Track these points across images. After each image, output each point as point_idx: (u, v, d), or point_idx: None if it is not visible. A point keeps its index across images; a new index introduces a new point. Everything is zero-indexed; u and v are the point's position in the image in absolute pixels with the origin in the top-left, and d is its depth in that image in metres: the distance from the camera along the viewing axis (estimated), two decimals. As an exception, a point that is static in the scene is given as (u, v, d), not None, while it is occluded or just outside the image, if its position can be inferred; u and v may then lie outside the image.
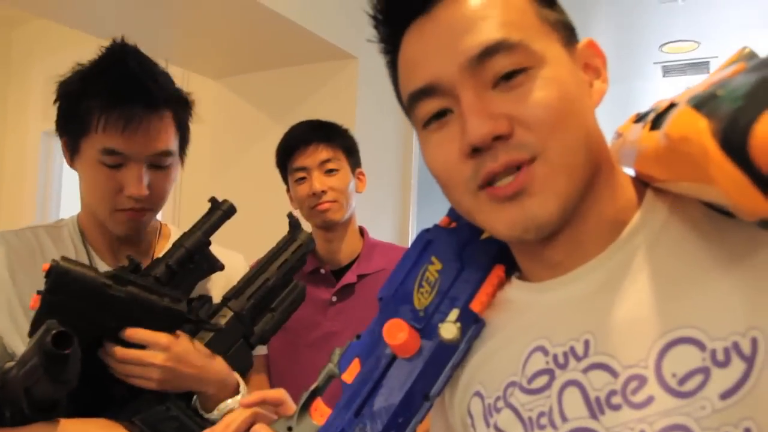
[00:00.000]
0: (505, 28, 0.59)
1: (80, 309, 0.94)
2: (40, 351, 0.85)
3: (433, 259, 0.71)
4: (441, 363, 0.66)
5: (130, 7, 2.07)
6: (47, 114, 3.45)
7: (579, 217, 0.60)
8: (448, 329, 0.65)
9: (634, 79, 3.89)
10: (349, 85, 2.37)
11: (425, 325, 0.67)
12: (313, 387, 0.73)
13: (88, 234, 1.16)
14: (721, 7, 2.90)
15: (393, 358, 0.67)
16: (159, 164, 1.09)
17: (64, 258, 0.95)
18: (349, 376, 0.69)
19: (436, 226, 0.74)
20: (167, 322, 1.02)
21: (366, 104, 2.40)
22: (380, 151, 2.49)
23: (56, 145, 3.51)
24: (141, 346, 0.99)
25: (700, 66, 3.59)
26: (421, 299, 0.69)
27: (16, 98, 3.67)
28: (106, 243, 1.15)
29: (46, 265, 0.93)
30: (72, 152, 1.10)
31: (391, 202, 2.55)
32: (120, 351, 0.98)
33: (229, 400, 1.05)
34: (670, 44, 3.35)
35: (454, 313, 0.67)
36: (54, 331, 0.86)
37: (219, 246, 1.16)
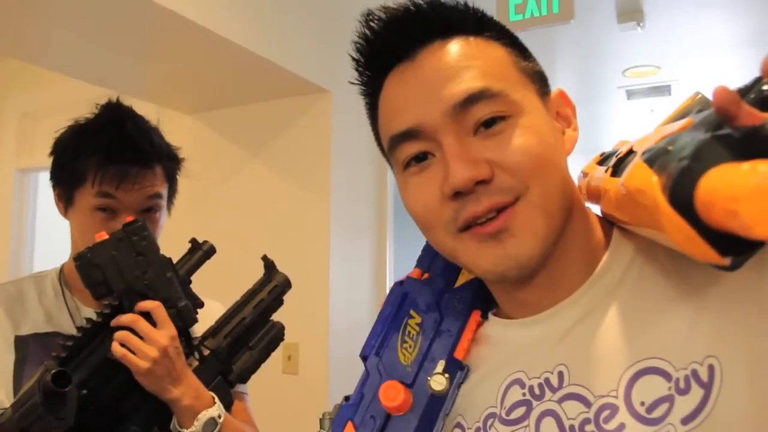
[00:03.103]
0: (487, 78, 0.61)
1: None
2: (39, 390, 0.88)
3: (412, 312, 0.72)
4: (433, 414, 0.67)
5: (101, 45, 2.08)
6: (21, 151, 3.45)
7: (555, 257, 0.63)
8: (438, 381, 0.66)
9: (600, 103, 3.99)
10: (323, 119, 2.40)
11: (414, 380, 0.68)
12: None
13: (73, 282, 1.19)
14: (679, 34, 3.01)
15: (387, 417, 0.68)
16: (149, 208, 1.16)
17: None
18: None
19: (409, 278, 0.76)
20: None
21: (340, 137, 2.43)
22: (355, 183, 2.53)
23: (30, 182, 3.49)
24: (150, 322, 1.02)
25: (662, 89, 3.70)
26: (406, 354, 0.70)
27: (-13, 136, 3.64)
28: (89, 294, 1.17)
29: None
30: (66, 203, 1.17)
31: (367, 233, 2.58)
32: (132, 318, 1.02)
33: (207, 410, 1.05)
34: (632, 69, 3.45)
35: (440, 365, 0.68)
36: (53, 371, 0.89)
37: (197, 291, 1.19)
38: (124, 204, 1.14)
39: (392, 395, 0.66)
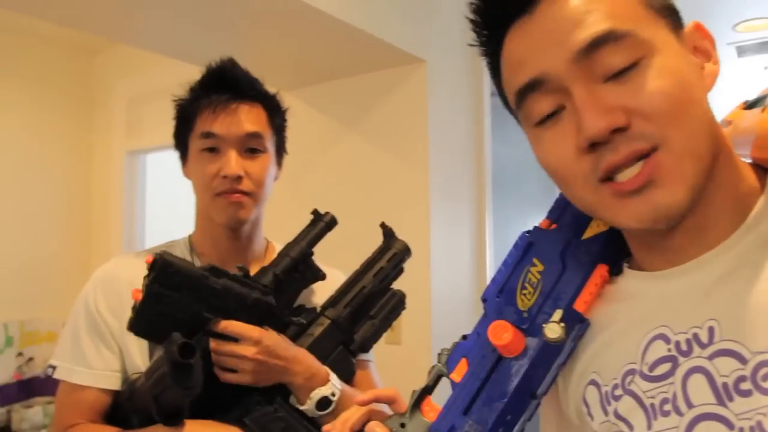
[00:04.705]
0: (612, 19, 0.58)
1: (179, 300, 1.00)
2: (167, 361, 0.92)
3: (535, 260, 0.72)
4: (547, 362, 0.68)
5: (199, 23, 2.14)
6: (130, 134, 3.63)
7: (702, 203, 0.60)
8: (553, 329, 0.66)
9: (708, 62, 3.78)
10: (419, 89, 2.38)
11: (530, 325, 0.69)
12: (423, 385, 0.76)
13: (200, 248, 1.24)
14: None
15: (499, 358, 0.69)
16: (250, 147, 1.18)
17: (165, 252, 1.01)
18: (458, 375, 0.72)
19: (536, 228, 0.75)
20: (257, 315, 1.06)
21: (437, 107, 2.41)
22: (452, 152, 2.51)
23: (139, 163, 3.67)
24: (234, 340, 1.03)
25: (777, 43, 3.46)
26: (525, 300, 0.70)
27: (100, 121, 3.84)
28: (217, 255, 1.22)
29: (150, 258, 0.99)
30: (183, 158, 1.21)
31: (466, 202, 2.56)
32: (215, 343, 1.03)
33: (321, 388, 1.07)
34: (744, 23, 3.24)
35: (557, 314, 0.68)
36: (179, 342, 0.93)
37: (319, 261, 1.21)
38: (225, 140, 1.16)
39: (500, 334, 0.67)
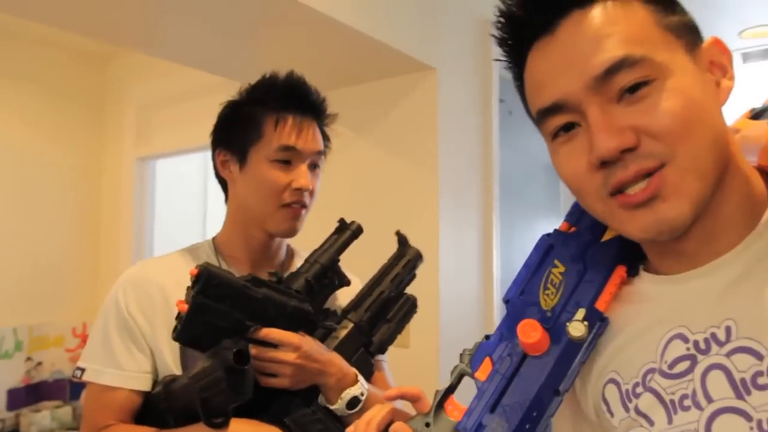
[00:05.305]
0: (628, 45, 0.61)
1: (223, 309, 1.04)
2: (221, 368, 0.97)
3: (556, 262, 0.75)
4: (569, 360, 0.70)
5: (211, 31, 2.16)
6: (140, 141, 3.66)
7: (712, 211, 0.63)
8: (577, 328, 0.69)
9: (713, 69, 3.80)
10: (429, 96, 2.41)
11: (553, 324, 0.71)
12: (447, 385, 0.78)
13: (228, 251, 1.26)
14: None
15: (524, 357, 0.71)
16: (315, 163, 1.25)
17: (207, 263, 1.05)
18: (482, 374, 0.73)
19: (556, 231, 0.78)
20: (295, 322, 1.11)
21: (447, 113, 2.44)
22: (462, 159, 2.53)
23: (149, 169, 3.70)
24: (272, 346, 1.07)
25: (781, 50, 3.48)
26: (547, 300, 0.73)
27: (111, 127, 3.88)
28: (246, 258, 1.25)
29: (194, 270, 1.02)
30: (240, 162, 1.22)
31: (474, 209, 2.59)
32: (256, 350, 1.06)
33: (351, 389, 1.12)
34: (749, 30, 3.26)
35: (580, 313, 0.71)
36: (234, 350, 0.98)
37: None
38: (301, 155, 1.22)
39: (529, 332, 0.69)
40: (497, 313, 2.62)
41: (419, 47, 2.33)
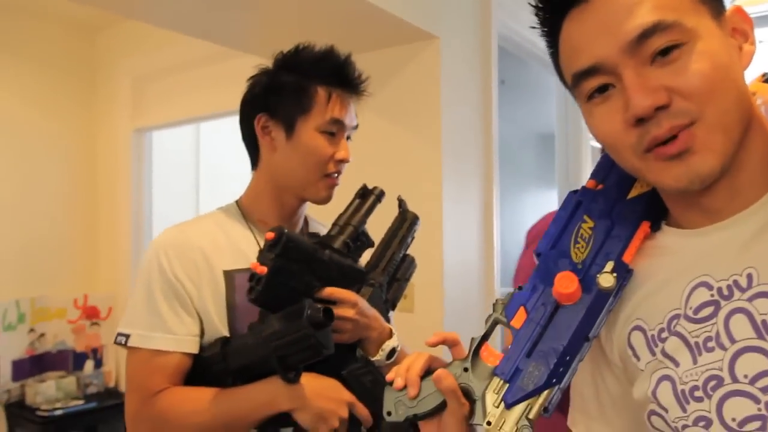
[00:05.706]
0: (660, 11, 0.66)
1: (297, 271, 1.11)
2: (309, 324, 1.03)
3: (586, 217, 0.80)
4: (599, 309, 0.75)
5: (213, 3, 2.15)
6: (136, 113, 3.65)
7: (736, 167, 0.69)
8: (607, 279, 0.74)
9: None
10: (432, 65, 2.43)
11: (584, 276, 0.76)
12: (482, 333, 0.83)
13: (256, 215, 1.31)
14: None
15: (556, 306, 0.77)
16: (349, 136, 1.32)
17: (282, 226, 1.11)
18: (518, 322, 0.79)
19: (584, 188, 0.83)
20: (349, 280, 1.20)
21: (450, 83, 2.46)
22: (464, 128, 2.56)
23: (146, 141, 3.69)
24: (331, 304, 1.14)
25: (771, 17, 3.51)
26: (578, 253, 0.78)
27: (104, 99, 3.86)
28: (275, 223, 1.28)
29: (270, 234, 1.08)
30: (287, 131, 1.26)
31: (475, 177, 2.62)
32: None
33: (389, 341, 1.22)
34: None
35: (609, 265, 0.76)
36: (322, 308, 1.05)
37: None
38: (345, 127, 1.29)
39: (566, 284, 0.75)
40: (498, 278, 2.68)
41: (422, 15, 2.34)
